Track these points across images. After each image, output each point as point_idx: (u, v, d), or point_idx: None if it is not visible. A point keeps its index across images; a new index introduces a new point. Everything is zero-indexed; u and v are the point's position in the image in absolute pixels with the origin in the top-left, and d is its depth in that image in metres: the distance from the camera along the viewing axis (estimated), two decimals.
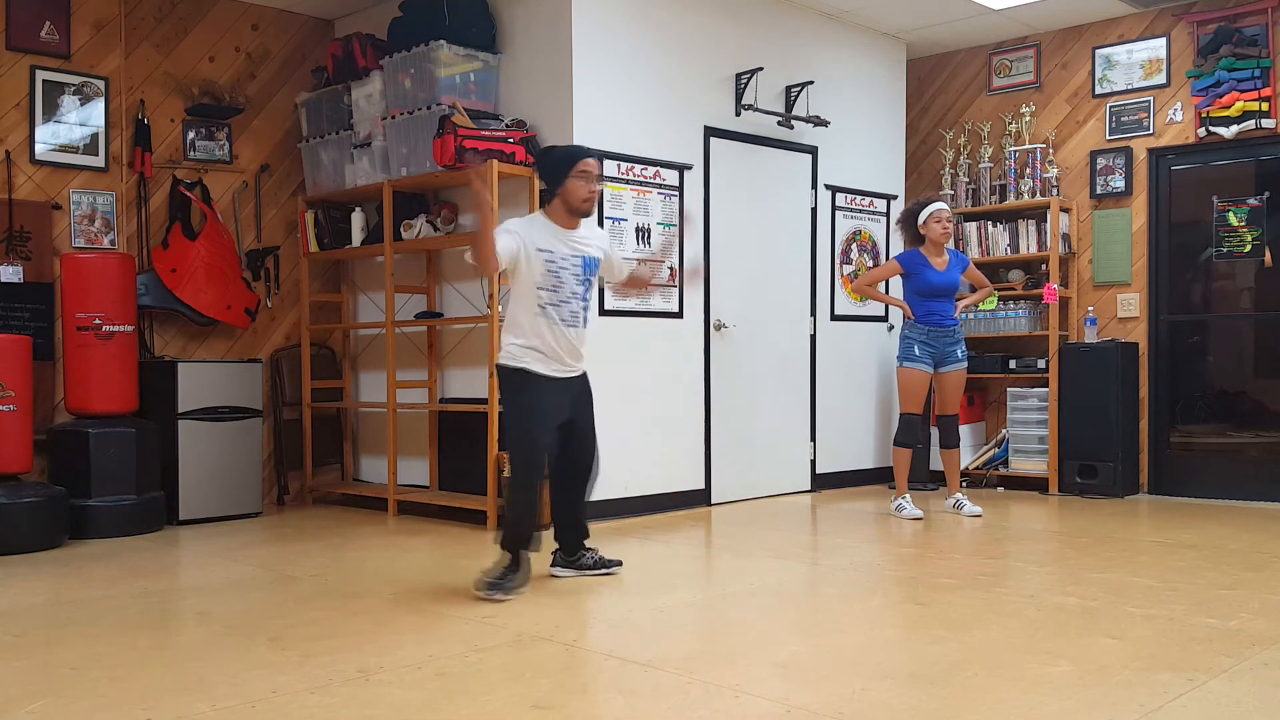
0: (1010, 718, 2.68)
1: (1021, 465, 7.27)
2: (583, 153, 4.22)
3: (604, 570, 4.47)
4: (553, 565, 4.49)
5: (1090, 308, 7.24)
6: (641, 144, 6.09)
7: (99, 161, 6.22)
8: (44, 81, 6.03)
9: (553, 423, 4.16)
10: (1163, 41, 7.02)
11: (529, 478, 4.13)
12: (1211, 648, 3.29)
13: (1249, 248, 6.70)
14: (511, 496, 4.19)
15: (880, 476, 7.49)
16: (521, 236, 4.11)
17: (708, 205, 6.44)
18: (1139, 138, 7.12)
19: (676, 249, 6.25)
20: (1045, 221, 7.26)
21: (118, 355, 5.76)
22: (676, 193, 6.26)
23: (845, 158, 7.31)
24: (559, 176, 4.17)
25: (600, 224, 5.87)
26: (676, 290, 6.27)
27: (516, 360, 4.15)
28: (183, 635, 3.71)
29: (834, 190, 7.25)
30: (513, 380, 4.17)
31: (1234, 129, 6.69)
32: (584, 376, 4.33)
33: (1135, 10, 7.08)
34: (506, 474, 4.30)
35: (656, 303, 6.15)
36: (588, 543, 4.50)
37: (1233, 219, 6.76)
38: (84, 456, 5.58)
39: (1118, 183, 7.19)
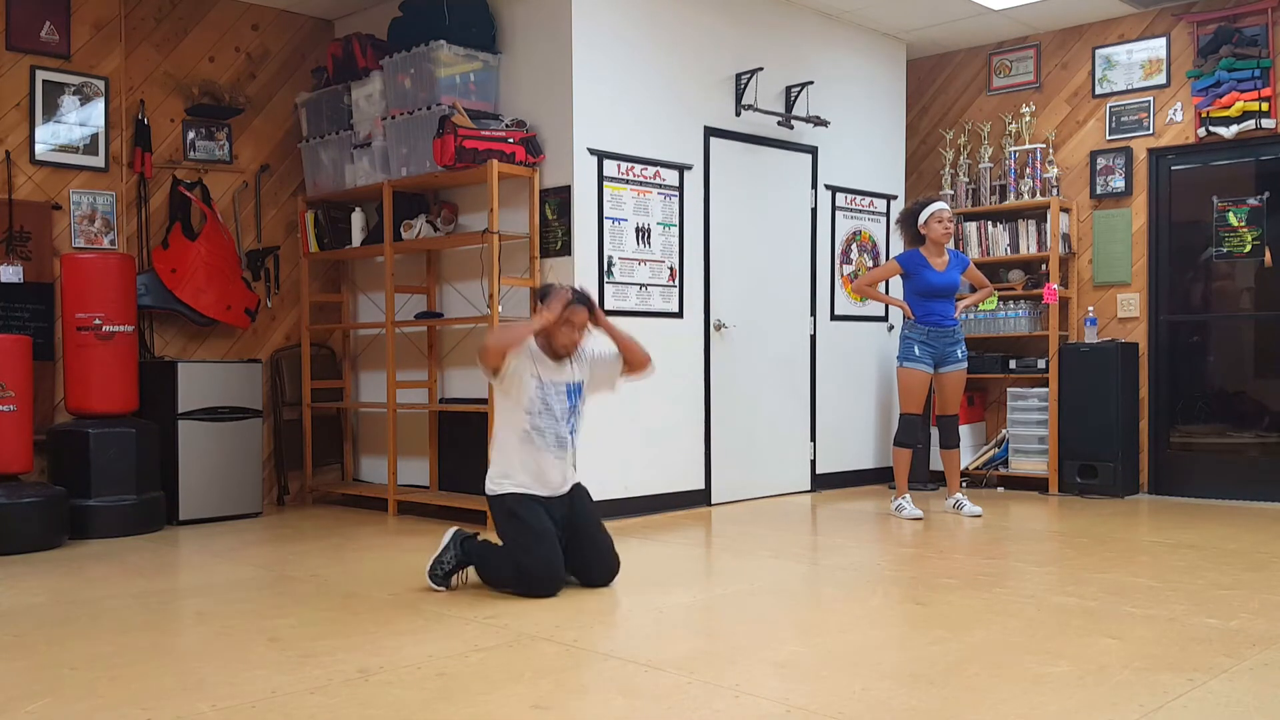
0: (1010, 718, 2.68)
1: (1021, 465, 7.27)
2: (571, 301, 4.11)
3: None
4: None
5: (1090, 308, 7.24)
6: (641, 144, 6.09)
7: (99, 161, 6.22)
8: (44, 81, 6.03)
9: (550, 535, 4.10)
10: (1163, 41, 7.02)
11: (533, 584, 4.04)
12: (1211, 648, 3.29)
13: (1249, 248, 6.70)
14: (513, 589, 4.08)
15: (880, 476, 7.49)
16: (523, 356, 4.13)
17: (708, 205, 6.45)
18: (1139, 138, 7.12)
19: (676, 248, 6.25)
20: (1045, 221, 7.26)
21: (118, 355, 5.76)
22: (676, 193, 6.26)
23: (845, 158, 7.31)
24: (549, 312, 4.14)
25: (600, 224, 5.88)
26: (676, 290, 6.27)
27: (501, 488, 4.18)
28: (183, 635, 3.71)
29: (834, 190, 7.25)
30: (503, 505, 4.17)
31: (1234, 129, 6.69)
32: (581, 487, 4.33)
33: (1135, 10, 7.08)
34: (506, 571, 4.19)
35: (656, 303, 6.15)
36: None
37: (1233, 219, 6.76)
38: (84, 456, 5.58)
39: (1118, 183, 7.19)
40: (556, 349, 4.18)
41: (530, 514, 4.10)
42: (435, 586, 4.18)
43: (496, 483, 4.21)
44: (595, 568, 4.22)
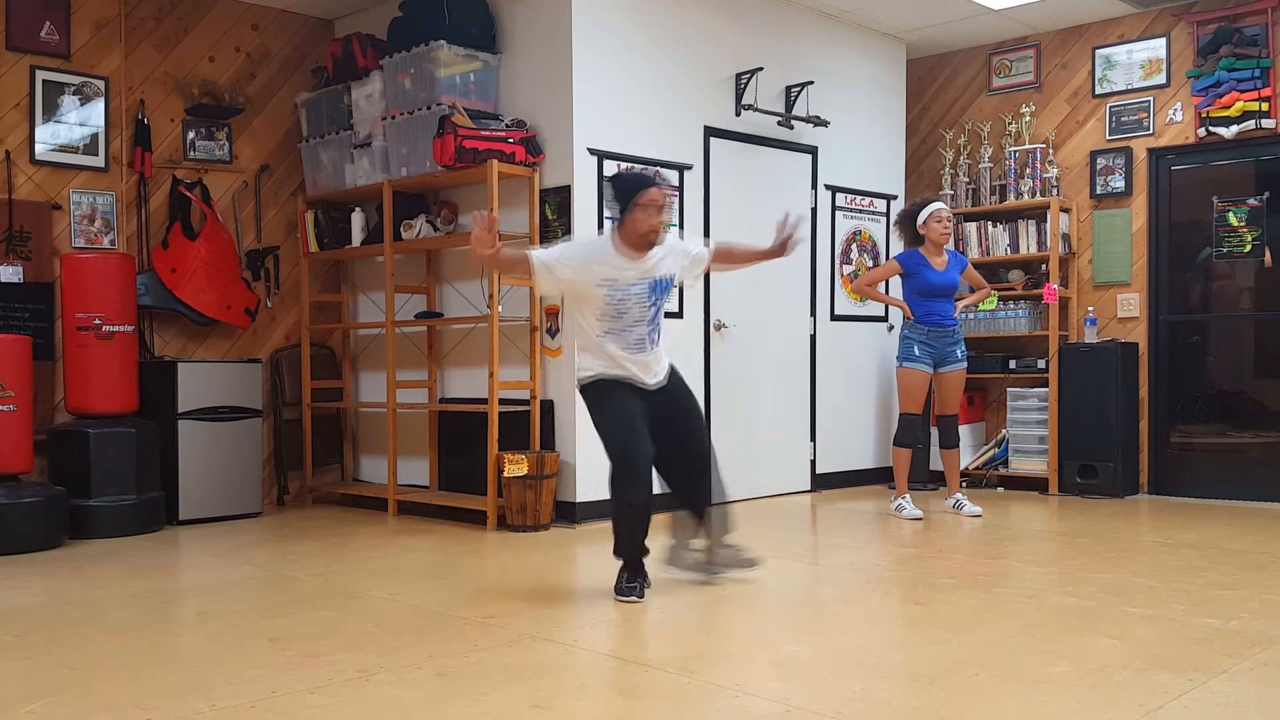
0: (1010, 718, 2.68)
1: (1021, 465, 7.27)
2: (645, 182, 3.97)
3: (741, 568, 4.27)
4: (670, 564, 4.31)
5: (1090, 308, 7.24)
6: (641, 144, 6.09)
7: (99, 161, 6.22)
8: (44, 81, 6.03)
9: (642, 419, 3.97)
10: (1163, 41, 7.02)
11: (626, 470, 3.93)
12: (1211, 648, 3.29)
13: (1249, 248, 6.70)
14: (613, 497, 4.00)
15: (880, 476, 7.49)
16: (573, 271, 3.93)
17: (708, 205, 6.44)
18: (1139, 138, 7.12)
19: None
20: (1045, 221, 7.26)
21: (118, 355, 5.76)
22: (676, 193, 6.25)
23: (845, 158, 7.31)
24: (622, 206, 3.96)
25: (600, 224, 5.87)
26: (676, 290, 6.26)
27: (590, 374, 4.03)
28: (183, 635, 3.71)
29: (834, 190, 7.25)
30: (591, 393, 4.04)
31: (1234, 129, 6.69)
32: (671, 376, 4.16)
33: (1135, 10, 7.07)
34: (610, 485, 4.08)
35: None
36: (697, 543, 4.27)
37: (1233, 219, 6.75)
38: (84, 456, 5.58)
39: (1118, 183, 7.19)
40: (637, 240, 3.94)
41: (614, 398, 3.96)
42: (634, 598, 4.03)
43: (581, 374, 4.06)
44: (694, 468, 4.13)
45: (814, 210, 7.14)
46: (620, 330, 3.98)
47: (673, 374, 4.18)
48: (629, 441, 3.94)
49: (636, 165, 6.02)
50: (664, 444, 4.05)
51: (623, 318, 3.97)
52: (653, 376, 4.08)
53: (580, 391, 4.12)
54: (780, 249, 4.26)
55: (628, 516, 4.02)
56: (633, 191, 3.95)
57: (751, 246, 4.44)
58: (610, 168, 5.90)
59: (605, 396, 4.01)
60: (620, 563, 4.10)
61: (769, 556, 4.91)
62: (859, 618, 3.80)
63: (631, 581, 4.03)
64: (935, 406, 6.27)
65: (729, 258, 4.42)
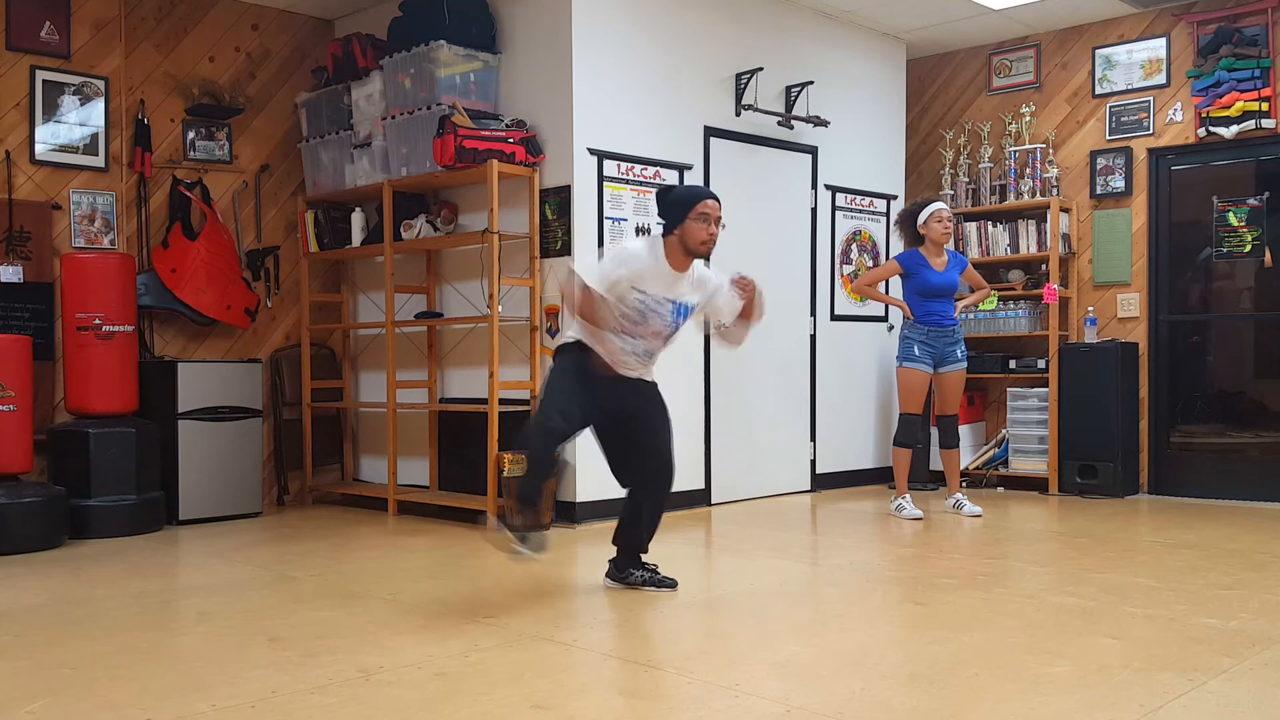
0: (1010, 718, 2.68)
1: (1021, 465, 7.27)
2: (702, 194, 4.00)
3: (655, 588, 4.20)
4: (605, 576, 4.29)
5: (1090, 308, 7.24)
6: (641, 144, 6.09)
7: (99, 161, 6.22)
8: (44, 81, 6.03)
9: (587, 392, 3.93)
10: (1163, 41, 7.02)
11: (534, 429, 3.97)
12: (1211, 648, 3.29)
13: (1249, 248, 6.70)
14: (525, 431, 3.99)
15: (880, 476, 7.49)
16: (621, 273, 3.91)
17: None
18: (1139, 138, 7.12)
19: None
20: (1045, 221, 7.26)
21: (118, 355, 5.76)
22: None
23: (845, 158, 7.31)
24: (677, 217, 3.97)
25: (600, 224, 5.87)
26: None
27: (572, 338, 4.00)
28: (183, 635, 3.71)
29: (834, 190, 7.25)
30: (565, 356, 4.01)
31: (1234, 129, 6.69)
32: (654, 385, 4.14)
33: (1135, 10, 7.07)
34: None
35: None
36: (645, 558, 4.26)
37: (1233, 219, 6.76)
38: (84, 456, 5.58)
39: (1118, 183, 7.19)
40: (694, 249, 3.96)
41: (579, 373, 3.92)
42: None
43: (564, 337, 4.04)
44: (647, 478, 4.11)
45: (814, 210, 7.14)
46: (635, 335, 3.99)
47: (652, 385, 4.16)
48: (562, 407, 3.91)
49: (636, 165, 6.02)
50: (621, 438, 4.07)
51: (641, 325, 3.99)
52: (638, 370, 4.07)
53: (555, 351, 4.10)
54: (748, 307, 4.20)
55: (534, 445, 3.97)
56: (691, 202, 3.97)
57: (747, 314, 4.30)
58: (610, 168, 5.91)
59: (572, 368, 3.97)
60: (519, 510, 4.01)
61: (769, 556, 4.92)
62: (859, 618, 3.80)
63: (524, 538, 3.87)
64: (935, 406, 6.27)
65: (735, 333, 4.31)
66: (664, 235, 4.03)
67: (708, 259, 4.13)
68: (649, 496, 4.15)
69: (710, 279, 4.16)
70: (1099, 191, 7.26)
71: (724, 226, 4.22)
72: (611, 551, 4.27)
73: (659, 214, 4.10)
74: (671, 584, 4.21)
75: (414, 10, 6.19)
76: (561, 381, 3.99)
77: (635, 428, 4.07)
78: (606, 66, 5.93)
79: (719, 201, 4.04)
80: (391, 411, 6.45)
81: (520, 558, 3.90)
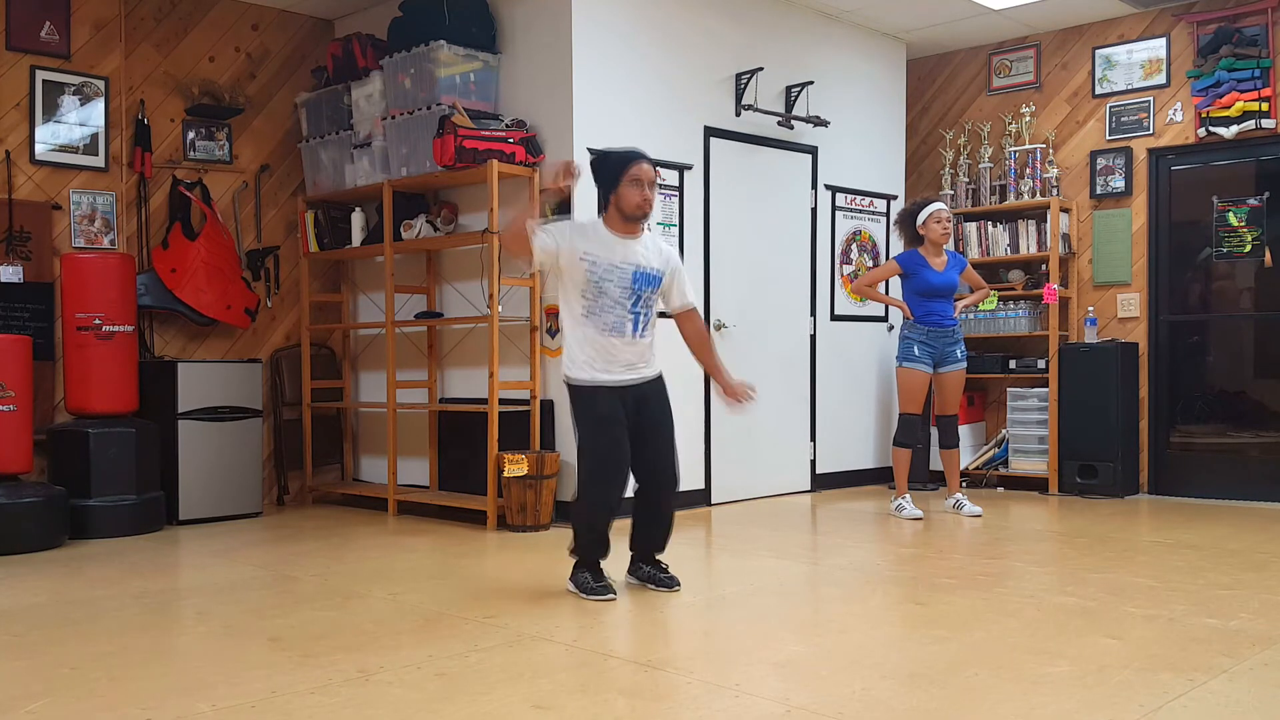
0: (1010, 718, 2.68)
1: (1021, 465, 7.27)
2: (634, 157, 4.00)
3: (659, 587, 4.18)
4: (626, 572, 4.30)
5: (1090, 308, 7.24)
6: (641, 144, 5.99)
7: (99, 161, 6.22)
8: (44, 81, 6.03)
9: (619, 424, 3.98)
10: (1163, 41, 7.02)
11: (603, 472, 3.96)
12: (1211, 648, 3.29)
13: (1249, 248, 6.70)
14: (586, 497, 4.01)
15: (880, 476, 7.49)
16: (561, 240, 3.95)
17: (708, 205, 6.44)
18: (1139, 138, 7.12)
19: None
20: (1045, 221, 7.26)
21: (118, 355, 5.76)
22: (676, 193, 6.25)
23: (845, 158, 7.31)
24: (611, 182, 3.98)
25: None
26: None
27: (575, 370, 4.03)
28: (183, 635, 3.71)
29: (834, 190, 7.25)
30: (575, 393, 4.05)
31: (1234, 129, 6.69)
32: (654, 380, 4.13)
33: (1135, 10, 7.08)
34: (576, 489, 4.10)
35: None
36: (660, 557, 4.27)
37: (1233, 219, 6.76)
38: (84, 456, 5.58)
39: (1118, 183, 7.19)
40: (628, 213, 3.97)
41: (598, 399, 3.96)
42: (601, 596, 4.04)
43: (568, 368, 4.05)
44: (653, 483, 4.10)
45: (814, 210, 7.14)
46: (599, 311, 3.97)
47: (657, 382, 4.16)
48: (611, 442, 3.96)
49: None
50: (634, 458, 4.07)
51: (601, 298, 3.96)
52: (632, 370, 4.05)
53: (567, 387, 4.11)
54: (726, 393, 4.24)
55: (601, 519, 4.03)
56: (622, 166, 3.98)
57: (715, 359, 4.34)
58: None
59: (586, 396, 4.01)
60: (575, 560, 4.12)
61: (769, 556, 4.92)
62: (859, 618, 3.80)
63: (600, 580, 4.06)
64: (935, 406, 6.27)
65: (695, 338, 4.31)
66: (601, 209, 4.06)
67: (642, 220, 4.05)
68: (655, 498, 4.16)
69: (671, 256, 4.18)
70: (1099, 191, 7.26)
71: (659, 188, 4.18)
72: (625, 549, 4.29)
73: (594, 179, 4.09)
74: (672, 583, 4.20)
75: (414, 10, 6.19)
76: (597, 413, 3.98)
77: (639, 434, 4.07)
78: (606, 66, 5.93)
79: (652, 164, 4.03)
80: (391, 411, 6.45)
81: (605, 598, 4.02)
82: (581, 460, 4.04)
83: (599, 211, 4.17)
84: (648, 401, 4.10)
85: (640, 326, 4.07)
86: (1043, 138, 7.47)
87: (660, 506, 4.18)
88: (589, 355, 4.01)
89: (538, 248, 3.91)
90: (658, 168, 4.11)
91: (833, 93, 7.13)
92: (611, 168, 4.01)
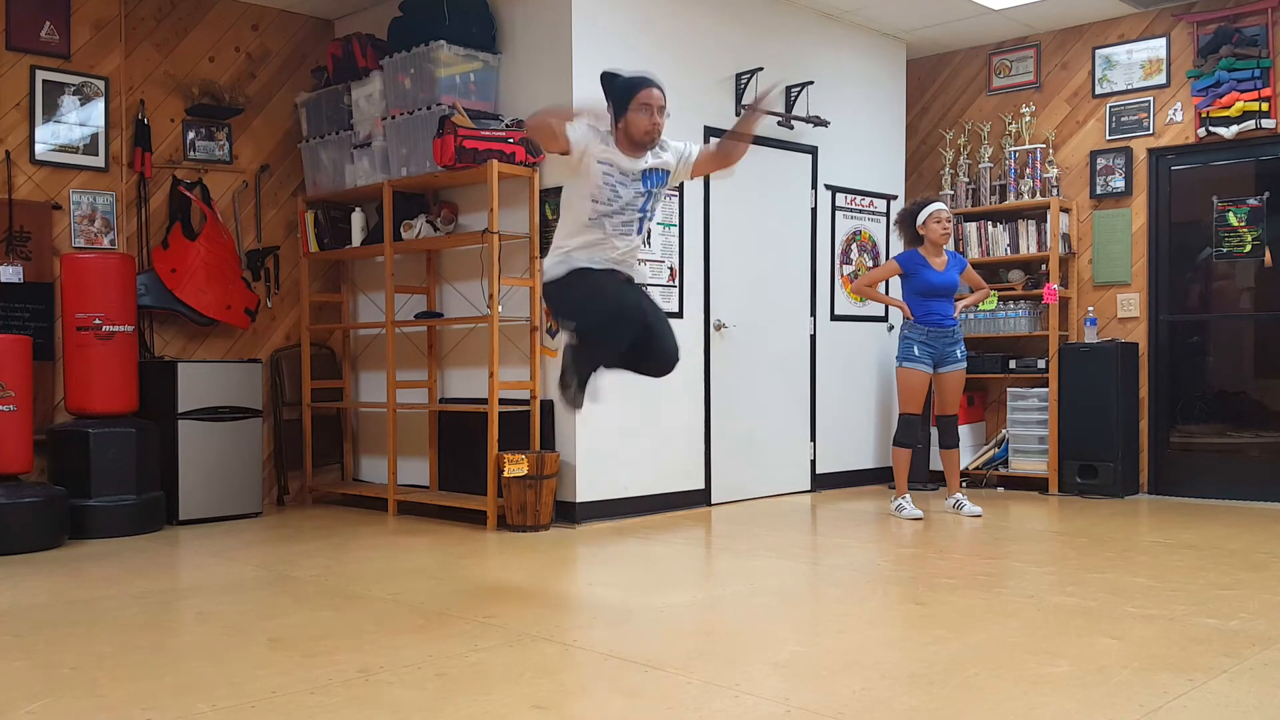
0: (1010, 718, 2.68)
1: (1021, 465, 7.27)
2: (643, 83, 3.89)
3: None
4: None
5: (1090, 308, 7.24)
6: None
7: (99, 161, 6.22)
8: (44, 81, 6.03)
9: (619, 283, 3.88)
10: (1163, 42, 7.02)
11: (616, 321, 3.82)
12: (1211, 648, 3.29)
13: (1249, 248, 6.70)
14: (592, 341, 3.85)
15: (880, 476, 7.49)
16: (588, 140, 3.83)
17: (707, 205, 6.44)
18: (1139, 138, 7.12)
19: (676, 250, 6.25)
20: (1045, 221, 7.26)
21: (118, 355, 5.76)
22: (676, 193, 6.25)
23: (845, 158, 7.31)
24: (619, 106, 3.88)
25: None
26: (676, 290, 6.26)
27: (561, 264, 3.90)
28: (183, 635, 3.71)
29: (834, 190, 7.25)
30: (560, 284, 3.91)
31: (1234, 129, 6.69)
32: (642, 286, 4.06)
33: (1135, 10, 7.08)
34: (565, 350, 3.93)
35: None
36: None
37: (1233, 219, 6.75)
38: (84, 456, 5.58)
39: (1118, 183, 7.19)
40: (636, 137, 3.88)
41: (587, 276, 3.83)
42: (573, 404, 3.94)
43: (551, 269, 3.93)
44: (654, 350, 3.96)
45: (814, 210, 7.14)
46: (611, 214, 3.88)
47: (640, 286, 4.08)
48: (617, 287, 3.84)
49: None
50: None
51: (615, 201, 3.88)
52: (622, 266, 3.97)
53: (548, 286, 3.97)
54: (751, 114, 4.12)
55: (603, 353, 3.88)
56: (631, 91, 3.89)
57: (730, 133, 4.20)
58: None
59: (575, 281, 3.88)
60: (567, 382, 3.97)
61: (769, 556, 4.92)
62: (859, 618, 3.80)
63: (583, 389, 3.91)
64: (935, 406, 6.27)
65: (718, 158, 4.21)
66: (612, 126, 3.94)
67: (650, 148, 3.97)
68: (662, 361, 4.05)
69: (678, 143, 4.09)
70: (1099, 191, 7.26)
71: (668, 115, 4.08)
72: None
73: (605, 97, 3.97)
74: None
75: (414, 10, 6.19)
76: (592, 285, 3.85)
77: (643, 326, 3.94)
78: (607, 66, 5.90)
79: (662, 90, 3.94)
80: (391, 411, 6.45)
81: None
82: (583, 316, 3.86)
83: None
84: (633, 284, 4.03)
85: (644, 228, 4.03)
86: (1043, 138, 7.47)
87: (661, 371, 4.06)
88: (587, 254, 3.89)
89: (573, 139, 3.79)
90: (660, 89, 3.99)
91: (833, 93, 7.13)
92: (619, 91, 3.91)
